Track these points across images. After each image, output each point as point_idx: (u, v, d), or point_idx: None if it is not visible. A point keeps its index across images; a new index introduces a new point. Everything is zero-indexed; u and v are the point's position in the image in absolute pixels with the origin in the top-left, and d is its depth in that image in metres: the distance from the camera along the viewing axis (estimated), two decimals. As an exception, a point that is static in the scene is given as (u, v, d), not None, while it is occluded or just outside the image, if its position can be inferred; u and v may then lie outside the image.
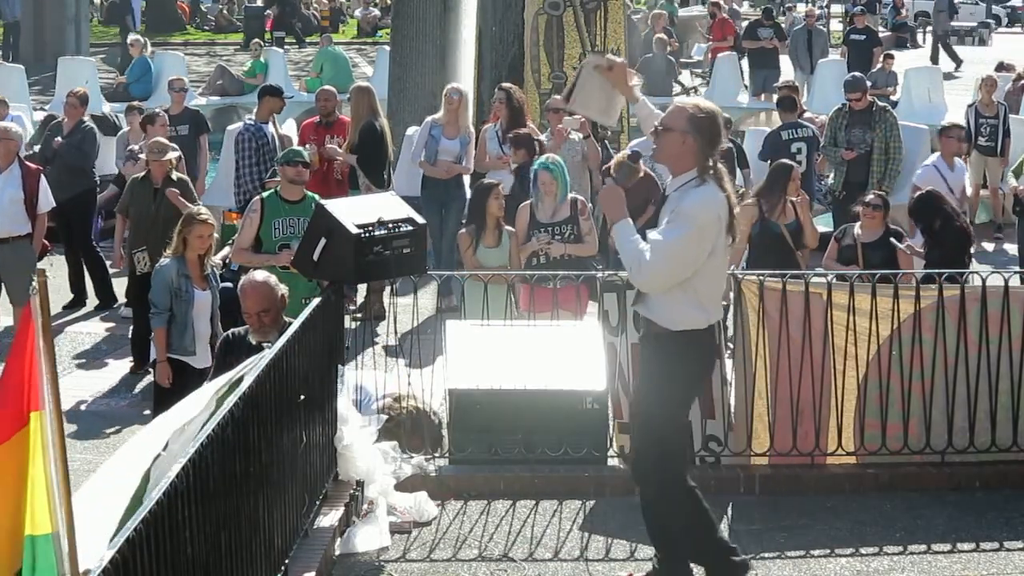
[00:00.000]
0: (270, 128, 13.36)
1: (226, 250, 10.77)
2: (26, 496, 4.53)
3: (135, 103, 17.21)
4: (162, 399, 8.77)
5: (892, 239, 10.23)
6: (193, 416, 5.77)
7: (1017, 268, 11.20)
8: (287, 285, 8.00)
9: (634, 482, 6.67)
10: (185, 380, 8.73)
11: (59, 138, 13.73)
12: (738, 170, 12.59)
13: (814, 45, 25.40)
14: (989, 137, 16.38)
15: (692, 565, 6.51)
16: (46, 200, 11.45)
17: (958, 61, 32.66)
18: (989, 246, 15.63)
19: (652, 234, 6.21)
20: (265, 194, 9.97)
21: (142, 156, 12.23)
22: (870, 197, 10.71)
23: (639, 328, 6.85)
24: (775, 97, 17.16)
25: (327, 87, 14.20)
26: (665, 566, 6.54)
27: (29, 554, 4.54)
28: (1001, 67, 21.63)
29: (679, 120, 6.20)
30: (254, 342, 7.42)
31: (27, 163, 11.81)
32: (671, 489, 6.38)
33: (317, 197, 10.02)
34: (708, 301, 6.32)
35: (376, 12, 41.77)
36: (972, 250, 10.95)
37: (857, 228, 10.62)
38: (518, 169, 11.64)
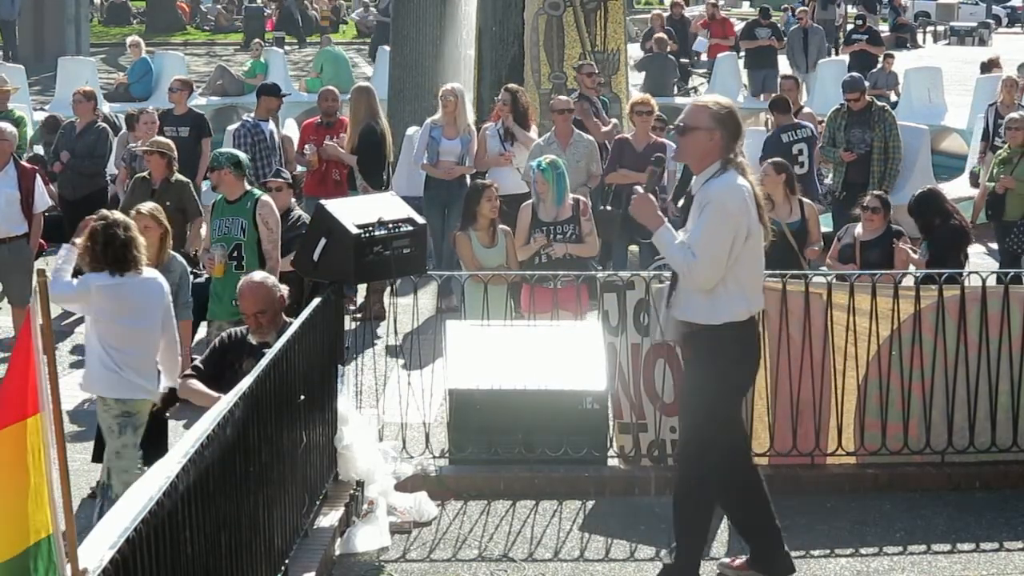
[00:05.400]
0: (269, 126, 13.30)
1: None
2: (28, 497, 4.51)
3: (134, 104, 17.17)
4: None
5: (894, 240, 10.21)
6: None
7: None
8: (219, 291, 8.58)
9: (675, 474, 6.82)
10: None
11: (65, 151, 13.67)
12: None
13: (810, 44, 25.35)
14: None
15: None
16: (42, 200, 11.41)
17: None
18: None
19: (689, 233, 6.32)
20: (218, 196, 9.99)
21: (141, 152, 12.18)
22: (867, 200, 10.70)
23: (669, 332, 6.93)
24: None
25: (330, 88, 14.15)
26: (676, 560, 6.58)
27: (32, 559, 4.54)
28: (986, 67, 21.35)
29: (702, 118, 6.34)
30: (255, 342, 7.40)
31: (22, 163, 11.78)
32: (707, 488, 6.53)
33: (258, 193, 9.99)
34: (750, 290, 6.43)
35: (375, 12, 41.70)
36: (980, 250, 10.88)
37: (859, 227, 10.64)
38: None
